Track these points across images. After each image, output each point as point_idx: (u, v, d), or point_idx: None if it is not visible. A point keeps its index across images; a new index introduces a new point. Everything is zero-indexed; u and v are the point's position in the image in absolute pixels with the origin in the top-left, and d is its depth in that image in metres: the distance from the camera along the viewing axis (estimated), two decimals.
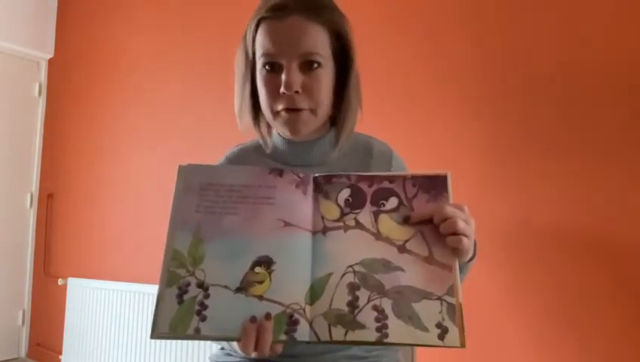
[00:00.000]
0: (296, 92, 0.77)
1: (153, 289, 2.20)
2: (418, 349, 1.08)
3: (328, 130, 0.88)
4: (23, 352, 3.09)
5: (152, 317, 0.63)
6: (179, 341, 2.03)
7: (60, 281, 2.74)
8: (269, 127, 0.89)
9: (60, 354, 2.65)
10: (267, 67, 0.79)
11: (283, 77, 0.77)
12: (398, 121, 1.61)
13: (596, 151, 1.25)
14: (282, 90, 0.77)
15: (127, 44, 2.79)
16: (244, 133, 0.88)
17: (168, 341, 2.10)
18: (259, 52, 0.79)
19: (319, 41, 0.77)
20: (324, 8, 0.79)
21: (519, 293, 1.34)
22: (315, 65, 0.78)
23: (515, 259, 1.36)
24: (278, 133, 0.88)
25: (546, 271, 1.30)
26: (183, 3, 2.50)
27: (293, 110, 0.79)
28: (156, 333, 0.62)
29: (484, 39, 1.47)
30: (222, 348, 0.92)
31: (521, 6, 1.40)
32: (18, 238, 3.14)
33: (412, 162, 1.00)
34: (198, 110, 2.33)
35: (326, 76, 0.80)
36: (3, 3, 3.01)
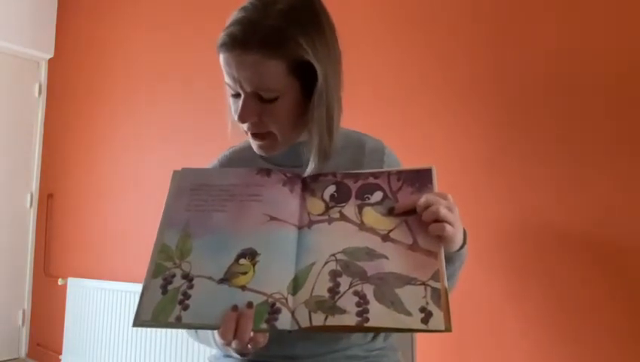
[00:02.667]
0: (253, 122, 0.78)
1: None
2: (418, 349, 1.08)
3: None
4: (23, 352, 3.09)
5: (137, 307, 0.64)
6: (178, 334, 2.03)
7: (60, 281, 2.74)
8: None
9: (60, 354, 2.65)
10: (231, 92, 0.79)
11: (239, 108, 0.76)
12: (393, 120, 1.61)
13: (595, 151, 1.25)
14: (237, 119, 0.77)
15: (127, 44, 2.79)
16: (231, 138, 0.88)
17: (166, 340, 2.10)
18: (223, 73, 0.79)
19: (274, 77, 0.74)
20: (283, 42, 0.73)
21: (518, 294, 1.34)
22: (269, 98, 0.76)
23: (513, 260, 1.36)
24: None
25: (544, 272, 1.30)
26: (182, 3, 2.50)
27: (259, 137, 0.80)
28: (138, 321, 0.63)
29: (480, 38, 1.47)
30: None
31: (517, 4, 1.40)
32: (18, 238, 3.14)
33: (407, 163, 1.00)
34: (198, 110, 2.33)
35: (285, 104, 0.77)
36: (3, 3, 3.01)
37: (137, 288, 2.27)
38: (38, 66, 3.28)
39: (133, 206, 2.59)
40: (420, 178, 0.71)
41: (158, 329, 2.14)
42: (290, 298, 0.63)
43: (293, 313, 0.62)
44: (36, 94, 3.26)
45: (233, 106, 0.80)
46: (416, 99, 1.59)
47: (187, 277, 0.65)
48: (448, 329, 0.59)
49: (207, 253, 0.67)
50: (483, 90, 1.46)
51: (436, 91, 1.55)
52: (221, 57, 0.76)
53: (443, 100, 1.53)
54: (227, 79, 0.78)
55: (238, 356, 0.86)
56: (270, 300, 0.63)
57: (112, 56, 2.87)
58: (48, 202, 3.11)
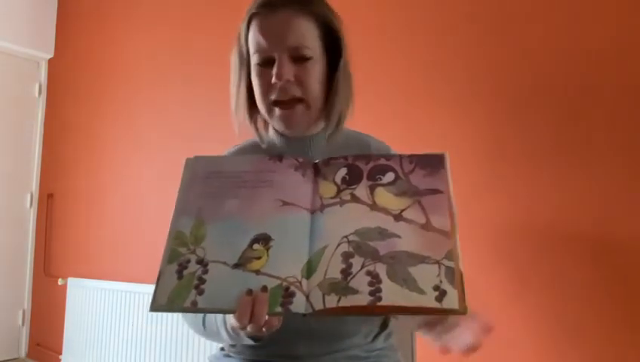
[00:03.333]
0: (288, 80, 0.79)
1: (153, 289, 2.20)
2: (418, 350, 1.08)
3: (323, 127, 0.88)
4: (23, 352, 3.09)
5: (152, 293, 0.65)
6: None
7: (60, 281, 2.74)
8: (265, 123, 0.90)
9: (60, 354, 2.65)
10: (260, 62, 0.80)
11: (274, 69, 0.78)
12: (395, 121, 1.61)
13: (595, 151, 1.25)
14: (274, 79, 0.78)
15: (127, 43, 2.79)
16: (238, 132, 0.88)
17: (166, 340, 2.10)
18: (252, 49, 0.81)
19: (308, 35, 0.79)
20: (314, 2, 0.80)
21: (518, 294, 1.34)
22: (306, 57, 0.79)
23: (512, 260, 1.36)
24: (274, 130, 0.89)
25: (544, 272, 1.30)
26: (182, 3, 2.50)
27: (286, 106, 0.81)
28: (154, 306, 0.64)
29: (477, 38, 1.47)
30: (222, 349, 0.93)
31: (517, 6, 1.40)
32: (18, 238, 3.14)
33: None
34: (198, 110, 2.33)
35: (317, 69, 0.81)
36: (3, 3, 3.01)
37: (137, 288, 2.27)
38: (38, 66, 3.29)
39: (133, 206, 2.59)
40: (433, 162, 0.71)
41: (158, 329, 2.14)
42: (304, 281, 0.63)
43: (307, 296, 0.62)
44: (36, 94, 3.26)
45: (259, 81, 0.81)
46: (416, 99, 1.59)
47: (202, 262, 0.66)
48: (463, 309, 0.58)
49: (221, 238, 0.68)
50: (482, 89, 1.46)
51: (436, 91, 1.55)
52: (253, 27, 0.80)
53: (443, 100, 1.53)
54: (256, 46, 0.80)
55: (239, 355, 0.86)
56: (284, 284, 0.63)
57: (112, 56, 2.87)
58: (48, 202, 3.11)
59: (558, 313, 1.28)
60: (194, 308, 0.62)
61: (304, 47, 0.78)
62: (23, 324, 3.10)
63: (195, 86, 2.36)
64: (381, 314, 0.82)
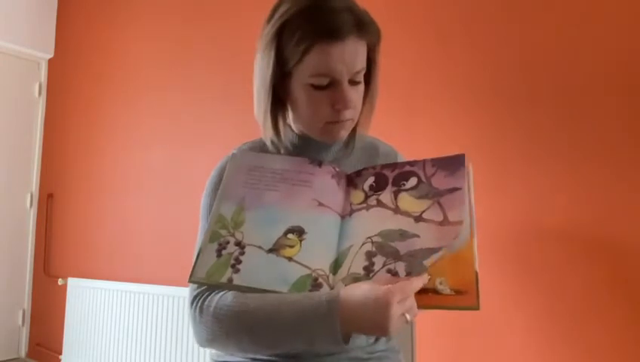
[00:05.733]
0: (352, 107, 0.80)
1: (153, 289, 2.20)
2: (418, 350, 1.08)
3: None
4: (23, 352, 3.09)
5: (192, 266, 0.71)
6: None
7: (60, 281, 2.74)
8: (284, 123, 0.88)
9: (60, 354, 2.65)
10: (318, 85, 0.78)
11: (339, 94, 0.78)
12: (399, 120, 1.61)
13: (595, 151, 1.25)
14: (339, 106, 0.78)
15: (127, 43, 2.79)
16: (264, 137, 0.88)
17: (166, 340, 2.10)
18: (310, 70, 0.77)
19: (363, 58, 0.79)
20: (370, 25, 0.79)
21: (518, 295, 1.34)
22: (361, 81, 0.80)
23: (512, 260, 1.36)
24: (292, 130, 0.89)
25: (544, 273, 1.30)
26: (183, 3, 2.50)
27: (339, 124, 0.82)
28: (193, 278, 0.70)
29: (478, 40, 1.47)
30: None
31: (522, 6, 1.40)
32: (18, 238, 3.14)
33: None
34: (198, 110, 2.33)
35: (363, 88, 0.82)
36: (3, 3, 3.01)
37: (137, 288, 2.27)
38: (38, 66, 3.28)
39: (133, 206, 2.59)
40: (453, 163, 0.75)
41: (158, 328, 2.14)
42: (330, 276, 0.69)
43: (332, 289, 0.67)
44: (36, 94, 3.26)
45: (315, 102, 0.80)
46: (416, 99, 1.59)
47: (239, 244, 0.72)
48: (474, 305, 0.62)
49: (259, 225, 0.74)
50: (482, 89, 1.46)
51: (436, 91, 1.55)
52: (317, 50, 0.76)
53: (443, 100, 1.54)
54: (319, 71, 0.77)
55: (240, 355, 0.86)
56: (314, 274, 0.69)
57: (111, 56, 2.87)
58: (48, 202, 3.11)
59: (558, 313, 1.28)
60: (229, 284, 0.69)
61: (362, 70, 0.79)
62: (23, 324, 3.10)
63: (196, 86, 2.36)
64: None
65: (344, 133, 0.84)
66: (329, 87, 0.78)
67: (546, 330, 1.29)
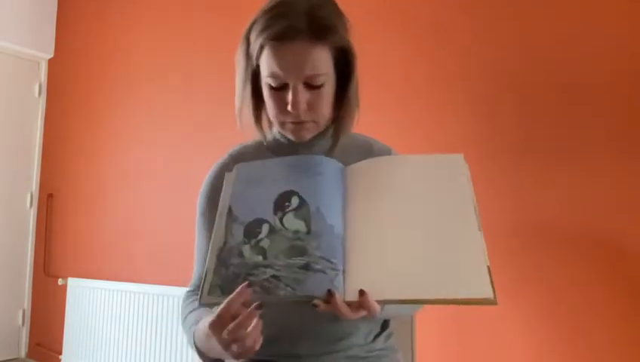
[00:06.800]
0: (303, 110, 0.80)
1: (153, 289, 2.21)
2: (418, 351, 1.08)
3: (328, 128, 0.89)
4: (22, 352, 3.09)
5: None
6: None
7: (60, 281, 2.74)
8: (270, 122, 0.90)
9: (60, 354, 2.66)
10: (274, 85, 0.80)
11: (290, 96, 0.78)
12: (396, 118, 1.61)
13: (595, 151, 1.25)
14: (289, 108, 0.79)
15: (127, 43, 2.79)
16: (242, 131, 0.89)
17: (166, 340, 2.10)
18: (265, 71, 0.79)
19: (322, 62, 0.78)
20: (329, 29, 0.78)
21: (518, 295, 1.34)
22: (319, 85, 0.79)
23: (512, 260, 1.36)
24: (279, 131, 0.90)
25: (544, 273, 1.30)
26: (183, 3, 2.50)
27: (298, 125, 0.82)
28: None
29: (482, 40, 1.47)
30: None
31: (517, 4, 1.40)
32: (18, 238, 3.14)
33: None
34: (197, 110, 2.33)
35: (329, 90, 0.82)
36: (3, 3, 3.01)
37: (137, 288, 2.27)
38: (38, 66, 3.28)
39: (133, 206, 2.59)
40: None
41: (158, 328, 2.14)
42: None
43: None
44: (36, 94, 3.26)
45: (272, 101, 0.81)
46: (417, 99, 1.59)
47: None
48: (491, 298, 0.63)
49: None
50: (480, 89, 1.46)
51: (437, 92, 1.55)
52: (268, 52, 0.77)
53: (444, 101, 1.54)
54: (271, 73, 0.78)
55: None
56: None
57: (112, 56, 2.87)
58: (48, 202, 3.11)
59: (558, 313, 1.28)
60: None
61: (319, 75, 0.78)
62: (23, 324, 3.10)
63: (195, 85, 2.36)
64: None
65: (306, 134, 0.84)
66: (285, 88, 0.79)
67: (545, 330, 1.29)
